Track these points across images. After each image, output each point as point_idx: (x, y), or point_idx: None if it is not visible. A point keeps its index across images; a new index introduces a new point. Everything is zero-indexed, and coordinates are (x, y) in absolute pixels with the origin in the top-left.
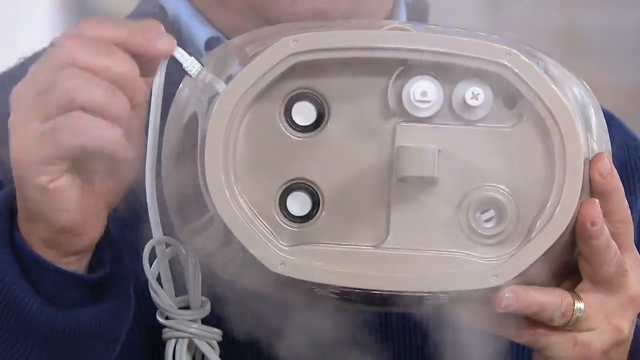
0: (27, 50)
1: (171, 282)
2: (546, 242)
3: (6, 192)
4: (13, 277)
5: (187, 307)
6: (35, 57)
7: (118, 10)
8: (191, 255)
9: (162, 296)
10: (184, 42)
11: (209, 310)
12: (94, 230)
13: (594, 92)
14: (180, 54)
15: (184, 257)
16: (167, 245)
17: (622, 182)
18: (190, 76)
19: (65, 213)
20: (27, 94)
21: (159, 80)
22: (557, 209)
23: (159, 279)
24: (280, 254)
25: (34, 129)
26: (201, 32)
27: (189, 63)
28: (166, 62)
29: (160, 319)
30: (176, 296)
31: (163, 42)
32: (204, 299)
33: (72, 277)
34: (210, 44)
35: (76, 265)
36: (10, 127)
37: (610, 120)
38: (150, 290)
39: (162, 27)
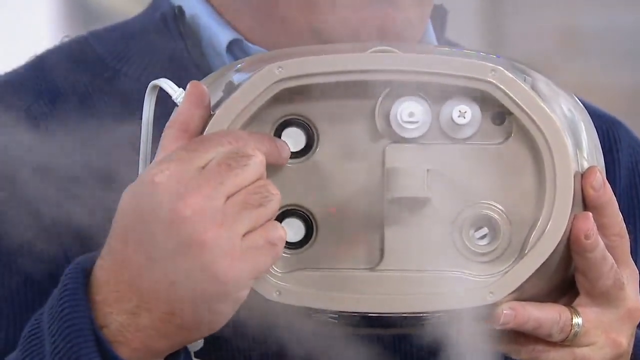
0: (28, 49)
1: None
2: (540, 257)
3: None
4: None
5: None
6: (40, 59)
7: (121, 10)
8: None
9: None
10: (203, 44)
11: (202, 344)
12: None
13: (594, 92)
14: (169, 85)
15: None
16: None
17: (630, 189)
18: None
19: (226, 317)
20: (215, 203)
21: (148, 112)
22: (549, 225)
23: None
24: (275, 281)
25: (242, 244)
26: (222, 35)
27: (178, 94)
28: (155, 94)
29: None
30: None
31: (286, 152)
32: None
33: None
34: (232, 47)
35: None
36: (203, 239)
37: (618, 126)
38: None
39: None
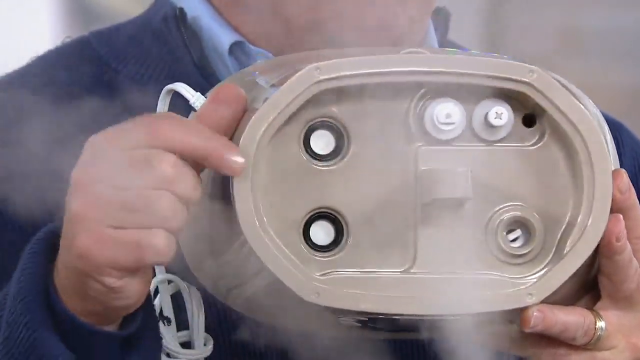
0: (28, 49)
1: (173, 317)
2: (580, 258)
3: (39, 248)
4: (48, 334)
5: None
6: (41, 59)
7: (121, 10)
8: (194, 293)
9: (165, 333)
10: (205, 46)
11: (212, 350)
12: (140, 300)
13: (594, 92)
14: (186, 90)
15: (187, 295)
16: (170, 282)
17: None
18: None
19: (125, 301)
20: (102, 187)
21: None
22: (587, 226)
23: (160, 314)
24: (314, 283)
25: (109, 233)
26: (225, 37)
27: (196, 99)
28: (169, 98)
29: (162, 356)
30: (178, 331)
31: (237, 163)
32: (207, 336)
33: (105, 335)
34: (234, 49)
35: (111, 325)
36: (74, 212)
37: (620, 129)
38: None
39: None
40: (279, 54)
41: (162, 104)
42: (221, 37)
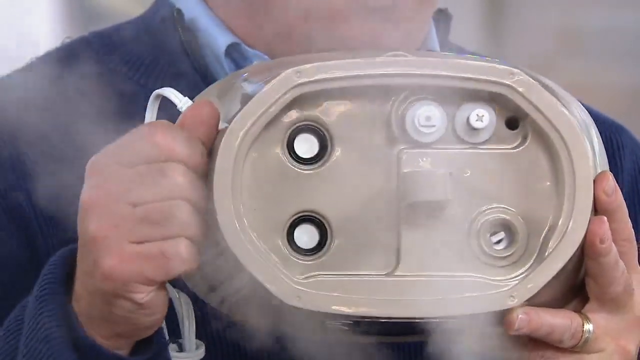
0: (28, 49)
1: (164, 325)
2: (560, 261)
3: (57, 271)
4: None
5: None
6: (42, 60)
7: (121, 10)
8: (185, 299)
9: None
10: (202, 47)
11: (203, 354)
12: (164, 315)
13: (594, 92)
14: (174, 94)
15: (177, 301)
16: None
17: (632, 195)
18: None
19: (153, 317)
20: (118, 206)
21: (150, 120)
22: (568, 227)
23: None
24: (296, 286)
25: (133, 249)
26: (221, 39)
27: (183, 103)
28: (158, 103)
29: None
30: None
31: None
32: (198, 342)
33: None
34: (231, 51)
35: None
36: (93, 234)
37: (621, 132)
38: None
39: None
40: (275, 56)
41: (151, 108)
42: (218, 38)
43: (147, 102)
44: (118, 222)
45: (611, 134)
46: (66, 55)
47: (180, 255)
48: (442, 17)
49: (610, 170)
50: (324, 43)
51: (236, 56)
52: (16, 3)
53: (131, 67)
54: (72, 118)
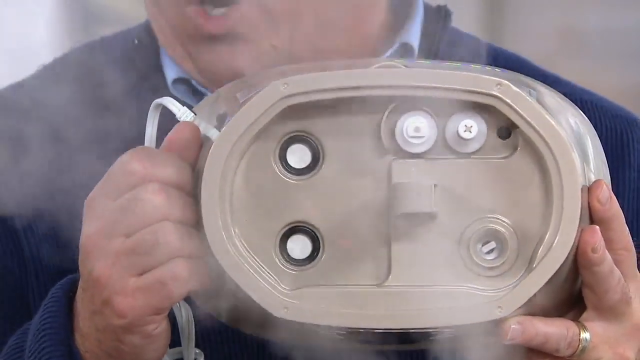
0: (28, 49)
1: None
2: (548, 271)
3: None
4: None
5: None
6: (55, 64)
7: (121, 10)
8: (185, 307)
9: None
10: (160, 75)
11: None
12: (165, 350)
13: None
14: (173, 104)
15: (177, 310)
16: None
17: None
18: None
19: (161, 349)
20: (113, 243)
21: (151, 130)
22: (556, 238)
23: None
24: (282, 298)
25: (134, 283)
26: (170, 71)
27: (182, 112)
28: (158, 112)
29: None
30: (170, 347)
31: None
32: (197, 351)
33: None
34: (177, 85)
35: None
36: (98, 276)
37: (634, 126)
38: None
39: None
40: (210, 86)
41: (151, 118)
42: (168, 71)
43: (134, 116)
44: (115, 259)
45: (622, 129)
46: (59, 69)
47: (178, 277)
48: (442, 13)
49: (618, 166)
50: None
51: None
52: (16, 3)
53: (116, 82)
54: (56, 132)
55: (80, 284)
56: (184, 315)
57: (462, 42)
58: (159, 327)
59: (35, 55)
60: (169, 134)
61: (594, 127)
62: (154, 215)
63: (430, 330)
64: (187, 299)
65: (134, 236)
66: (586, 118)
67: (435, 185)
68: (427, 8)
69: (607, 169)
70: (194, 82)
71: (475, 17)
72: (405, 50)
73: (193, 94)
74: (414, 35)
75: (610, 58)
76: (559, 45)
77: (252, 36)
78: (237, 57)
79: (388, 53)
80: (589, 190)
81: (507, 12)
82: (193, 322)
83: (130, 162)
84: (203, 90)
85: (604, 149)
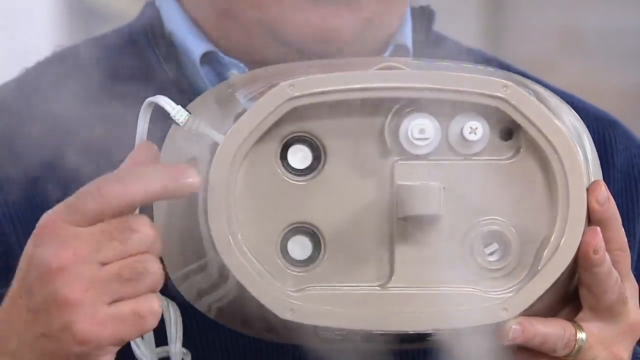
0: (28, 49)
1: (151, 332)
2: (554, 273)
3: None
4: None
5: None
6: (39, 66)
7: (121, 10)
8: (173, 307)
9: (142, 347)
10: (180, 57)
11: None
12: None
13: (594, 92)
14: (167, 103)
15: (165, 309)
16: None
17: (624, 192)
18: (178, 124)
19: None
20: (87, 267)
21: (142, 129)
22: (562, 240)
23: None
24: (288, 300)
25: (107, 311)
26: (196, 47)
27: (176, 111)
28: (150, 111)
29: None
30: (157, 346)
31: (191, 177)
32: (185, 351)
33: None
34: (207, 59)
35: None
36: (65, 298)
37: (615, 127)
38: (130, 341)
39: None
40: (248, 62)
41: (143, 117)
42: (193, 47)
43: (129, 114)
44: (89, 285)
45: (604, 129)
46: (56, 66)
47: (155, 311)
48: (425, 14)
49: (602, 166)
50: (278, 33)
51: (214, 64)
52: (16, 3)
53: (111, 79)
54: (53, 130)
55: (25, 304)
56: (173, 316)
57: (446, 43)
58: (112, 357)
59: (34, 55)
60: (129, 156)
61: None
62: (142, 247)
63: (432, 332)
64: (175, 298)
65: (117, 263)
66: (579, 117)
67: (443, 188)
68: (412, 8)
69: (600, 167)
70: (219, 55)
71: (475, 17)
72: (400, 53)
73: (217, 74)
74: (407, 36)
75: (610, 58)
76: (559, 45)
77: (358, 2)
78: (337, 19)
79: (386, 54)
80: (588, 191)
81: (507, 12)
82: (181, 322)
83: (105, 191)
84: (231, 60)
85: None
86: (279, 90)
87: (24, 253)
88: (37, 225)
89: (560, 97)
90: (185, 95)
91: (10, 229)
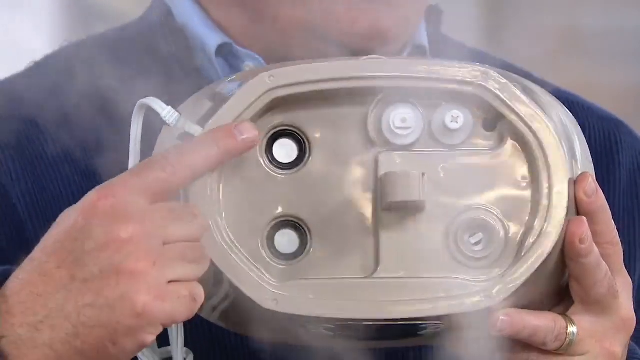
0: (27, 49)
1: None
2: (536, 261)
3: None
4: None
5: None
6: (46, 60)
7: (121, 10)
8: None
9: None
10: (194, 50)
11: None
12: None
13: (595, 92)
14: (157, 104)
15: None
16: None
17: (630, 191)
18: (169, 125)
19: (125, 356)
20: (155, 242)
21: (136, 130)
22: (544, 227)
23: None
24: (271, 290)
25: (168, 288)
26: (212, 39)
27: (167, 112)
28: (142, 113)
29: None
30: (159, 347)
31: (247, 132)
32: (187, 350)
33: None
34: (222, 51)
35: None
36: (131, 269)
37: (620, 127)
38: None
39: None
40: (267, 55)
41: (136, 119)
42: (208, 39)
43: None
44: (157, 259)
45: (609, 130)
46: (62, 59)
47: (202, 299)
48: (433, 12)
49: (607, 166)
50: (318, 35)
51: (228, 56)
52: (16, 3)
53: (123, 74)
54: (64, 124)
55: (70, 274)
56: None
57: (453, 44)
58: (153, 337)
59: (34, 54)
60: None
61: (583, 127)
62: (201, 232)
63: (419, 322)
64: None
65: (181, 244)
66: (574, 118)
67: (423, 174)
68: None
69: (593, 168)
70: (234, 47)
71: (476, 17)
72: (419, 53)
73: (230, 67)
74: (423, 35)
75: (610, 58)
76: (559, 45)
77: (398, 1)
78: (384, 18)
79: (405, 54)
80: (575, 182)
81: (507, 12)
82: (182, 322)
83: (176, 159)
84: (246, 52)
85: (593, 149)
86: (258, 81)
87: (62, 226)
88: (87, 199)
89: (565, 98)
90: (201, 87)
91: (23, 209)
